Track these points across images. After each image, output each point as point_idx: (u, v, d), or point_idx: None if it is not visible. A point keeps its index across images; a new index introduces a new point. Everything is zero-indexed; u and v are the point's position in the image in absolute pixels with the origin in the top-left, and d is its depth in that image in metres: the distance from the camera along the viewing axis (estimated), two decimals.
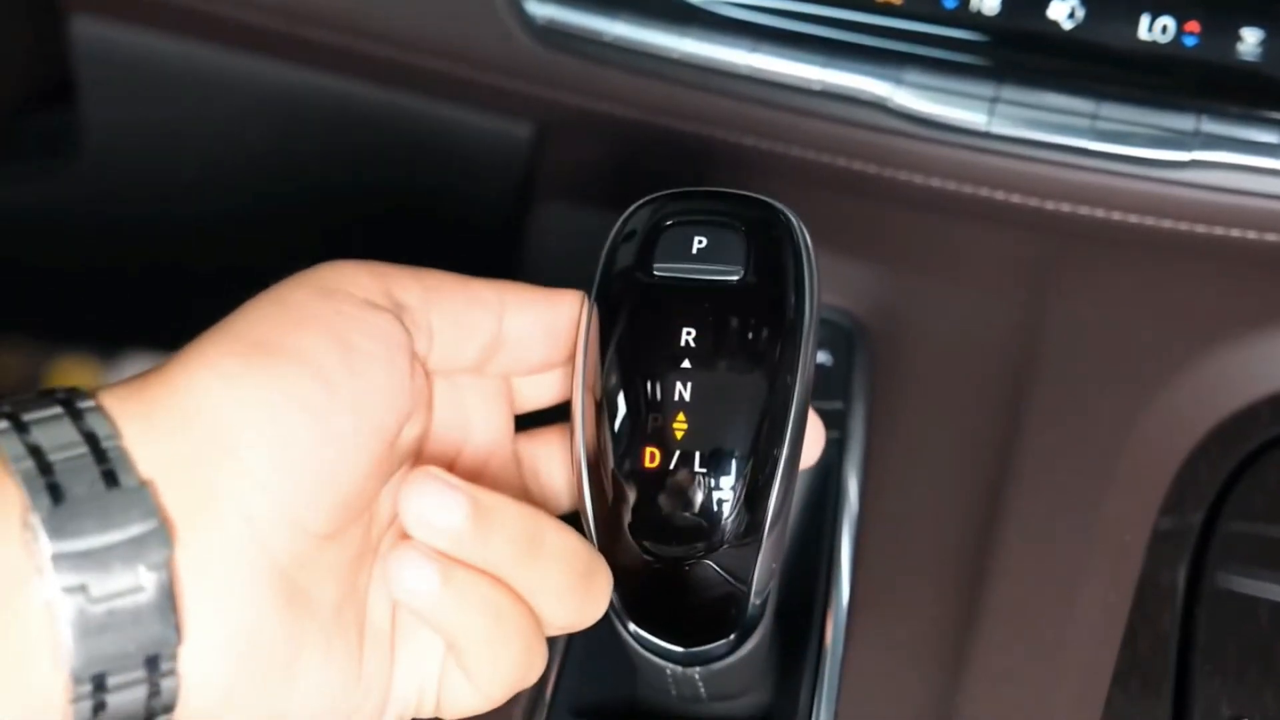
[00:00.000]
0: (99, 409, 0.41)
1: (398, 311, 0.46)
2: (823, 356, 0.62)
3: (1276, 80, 0.61)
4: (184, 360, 0.43)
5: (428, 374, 0.48)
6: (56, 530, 0.39)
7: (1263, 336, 0.61)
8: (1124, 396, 0.59)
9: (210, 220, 0.87)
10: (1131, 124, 0.62)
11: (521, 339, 0.49)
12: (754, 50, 0.65)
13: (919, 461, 0.59)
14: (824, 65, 0.64)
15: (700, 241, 0.49)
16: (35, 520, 0.39)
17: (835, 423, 0.60)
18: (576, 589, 0.46)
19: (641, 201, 0.51)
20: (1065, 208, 0.64)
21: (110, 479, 0.40)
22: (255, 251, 0.87)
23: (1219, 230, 0.62)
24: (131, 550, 0.40)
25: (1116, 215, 0.63)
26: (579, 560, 0.46)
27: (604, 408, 0.48)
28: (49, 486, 0.40)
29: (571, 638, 0.56)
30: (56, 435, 0.41)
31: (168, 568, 0.40)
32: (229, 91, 0.78)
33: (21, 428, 0.41)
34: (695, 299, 0.48)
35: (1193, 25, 0.61)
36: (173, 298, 0.91)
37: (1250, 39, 0.61)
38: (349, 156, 0.80)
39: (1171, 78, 0.62)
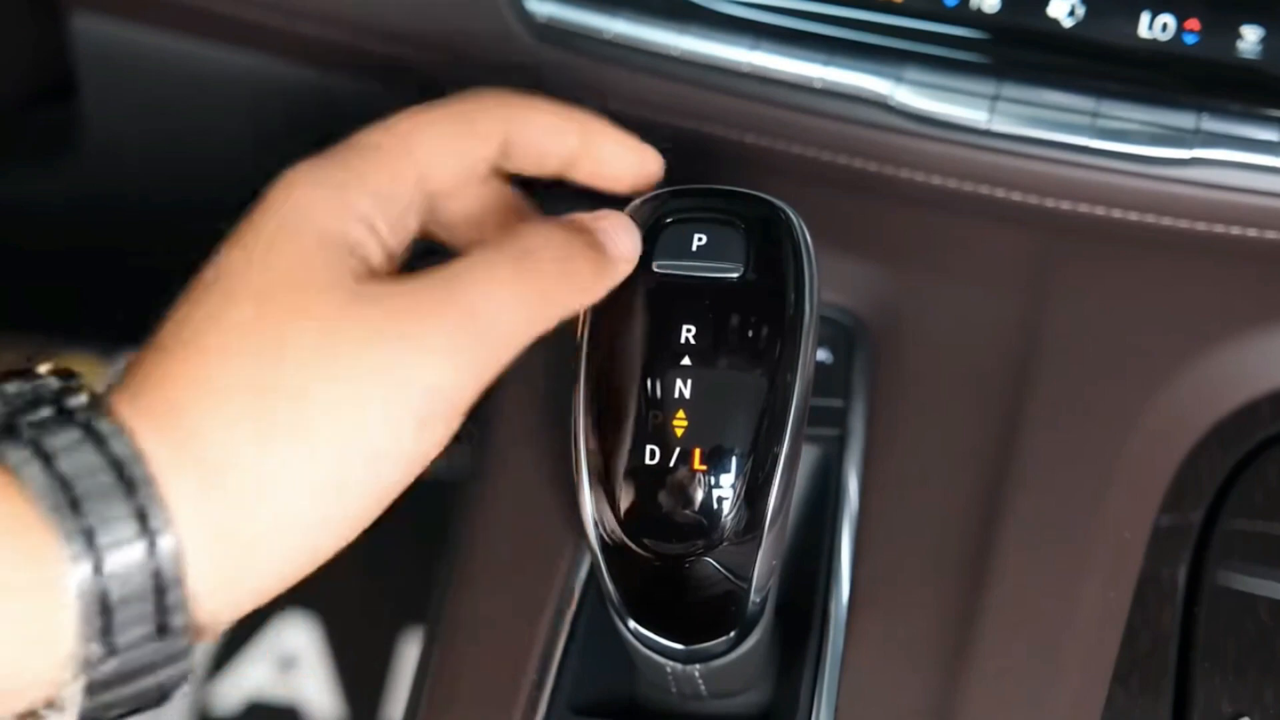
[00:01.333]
0: (152, 485, 0.40)
1: (366, 239, 0.48)
2: (823, 354, 0.62)
3: (1276, 78, 0.61)
4: (195, 401, 0.43)
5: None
6: (93, 663, 0.39)
7: (1263, 334, 0.61)
8: (1124, 395, 0.59)
9: (210, 217, 0.87)
10: (1132, 121, 0.62)
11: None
12: (754, 48, 0.65)
13: (919, 460, 0.59)
14: (824, 63, 0.64)
15: (700, 239, 0.49)
16: (81, 644, 0.39)
17: (835, 420, 0.60)
18: None
19: (642, 198, 0.51)
20: (1065, 205, 0.64)
21: (161, 595, 0.40)
22: None
23: (1219, 228, 0.62)
24: (161, 639, 0.40)
25: (1117, 213, 0.63)
26: None
27: (604, 404, 0.48)
28: (104, 609, 0.39)
29: (571, 636, 0.56)
30: (118, 539, 0.39)
31: (191, 629, 0.41)
32: (229, 88, 0.78)
33: (75, 505, 0.39)
34: (695, 296, 0.48)
35: (1193, 23, 0.61)
36: (173, 296, 0.92)
37: (1250, 36, 0.61)
38: None
39: (1171, 75, 0.62)
